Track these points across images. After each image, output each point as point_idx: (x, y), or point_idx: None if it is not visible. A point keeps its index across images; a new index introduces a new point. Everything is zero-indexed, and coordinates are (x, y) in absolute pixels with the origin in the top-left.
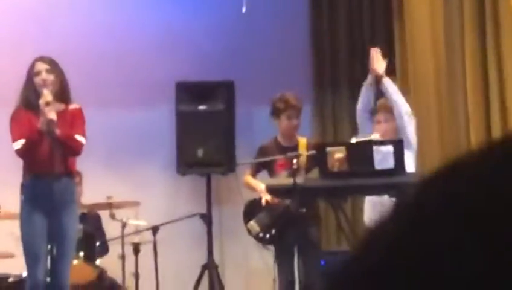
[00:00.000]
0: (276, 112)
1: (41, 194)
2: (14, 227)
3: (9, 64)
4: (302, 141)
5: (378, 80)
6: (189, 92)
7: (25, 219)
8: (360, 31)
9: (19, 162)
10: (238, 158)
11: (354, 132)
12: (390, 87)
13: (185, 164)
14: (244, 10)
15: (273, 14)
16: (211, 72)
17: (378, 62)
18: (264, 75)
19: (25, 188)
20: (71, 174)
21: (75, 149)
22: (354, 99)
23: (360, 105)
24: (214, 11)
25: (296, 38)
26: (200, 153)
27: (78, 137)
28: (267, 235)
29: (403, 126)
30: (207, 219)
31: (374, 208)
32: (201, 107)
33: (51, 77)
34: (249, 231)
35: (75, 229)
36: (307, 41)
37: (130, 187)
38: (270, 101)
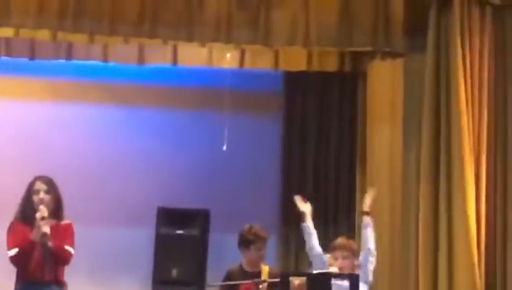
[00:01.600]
0: (245, 243)
1: None
2: None
3: (10, 181)
4: (265, 269)
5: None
6: (169, 217)
7: None
8: (326, 173)
9: (13, 269)
10: (209, 280)
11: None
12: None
13: (160, 281)
14: (224, 148)
15: (250, 152)
16: (190, 199)
17: (302, 205)
18: (237, 206)
19: None
20: (60, 283)
21: (64, 258)
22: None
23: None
24: (198, 145)
25: (268, 174)
26: (174, 273)
27: (68, 247)
28: None
29: (365, 263)
30: None
31: None
32: (179, 232)
33: (47, 197)
34: None
35: None
36: (278, 178)
37: None
38: (239, 232)
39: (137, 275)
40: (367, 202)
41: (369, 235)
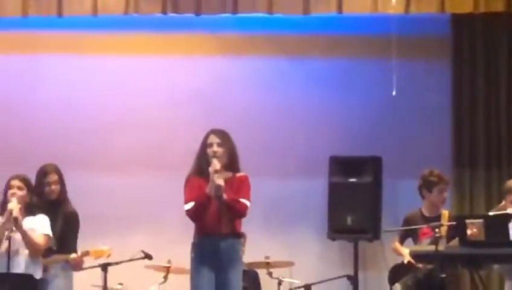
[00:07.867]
0: (428, 186)
1: (210, 252)
2: (183, 281)
3: (184, 136)
4: (445, 213)
5: None
6: (341, 166)
7: (195, 274)
8: (497, 116)
9: (189, 223)
10: (384, 226)
11: (489, 206)
12: None
13: (335, 230)
14: (394, 93)
15: (418, 97)
16: (361, 147)
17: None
18: (409, 152)
19: (195, 246)
20: (237, 234)
21: (240, 211)
22: (490, 177)
23: None
24: (366, 92)
25: (439, 119)
26: (349, 221)
27: (243, 200)
28: None
29: None
30: (354, 280)
31: None
32: (352, 180)
33: (221, 150)
34: None
35: (239, 285)
36: (448, 123)
37: (285, 249)
38: (420, 176)
39: (312, 225)
40: None
41: None
